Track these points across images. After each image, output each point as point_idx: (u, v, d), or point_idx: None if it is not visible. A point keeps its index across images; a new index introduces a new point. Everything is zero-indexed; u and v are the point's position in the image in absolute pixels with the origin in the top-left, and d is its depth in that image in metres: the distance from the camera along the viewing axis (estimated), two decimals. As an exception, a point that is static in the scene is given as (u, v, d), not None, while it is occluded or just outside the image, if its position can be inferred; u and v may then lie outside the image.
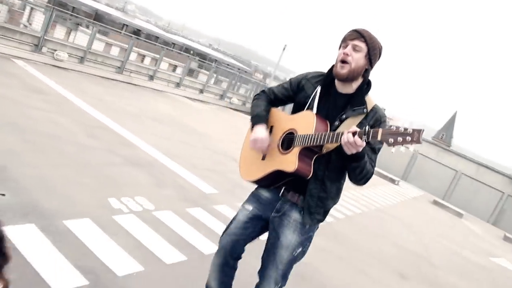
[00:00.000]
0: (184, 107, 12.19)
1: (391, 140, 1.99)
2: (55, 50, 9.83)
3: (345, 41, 2.32)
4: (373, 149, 2.28)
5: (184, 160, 6.34)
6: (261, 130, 2.43)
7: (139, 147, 6.13)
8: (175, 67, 19.81)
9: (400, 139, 1.98)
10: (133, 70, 12.07)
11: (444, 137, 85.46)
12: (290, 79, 2.61)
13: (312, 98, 2.44)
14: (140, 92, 11.32)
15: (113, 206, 3.90)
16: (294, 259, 2.50)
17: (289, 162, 2.33)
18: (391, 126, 2.03)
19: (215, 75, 16.94)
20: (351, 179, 2.38)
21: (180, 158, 6.36)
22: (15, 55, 9.00)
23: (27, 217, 3.12)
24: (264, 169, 2.49)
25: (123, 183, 4.57)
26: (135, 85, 11.85)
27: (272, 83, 20.22)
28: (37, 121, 5.49)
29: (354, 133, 2.07)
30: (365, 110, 2.34)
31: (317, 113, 2.35)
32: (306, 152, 2.32)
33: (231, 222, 2.62)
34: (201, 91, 14.49)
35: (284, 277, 2.52)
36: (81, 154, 4.94)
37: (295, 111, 2.52)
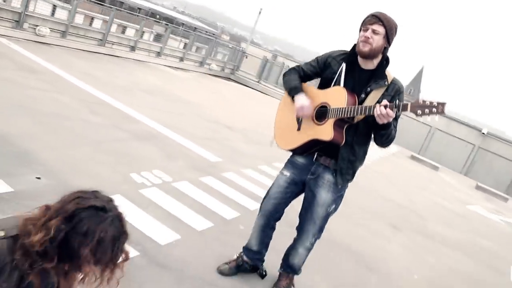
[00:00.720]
0: (168, 76, 12.24)
1: (419, 111, 2.33)
2: (37, 26, 9.67)
3: (365, 25, 2.63)
4: (396, 117, 2.59)
5: (184, 131, 6.57)
6: (303, 98, 2.74)
7: (140, 120, 6.31)
8: (143, 33, 19.45)
9: (427, 110, 2.31)
10: (115, 42, 11.97)
11: (412, 92, 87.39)
12: (317, 58, 2.91)
13: (339, 74, 2.76)
14: (124, 64, 11.30)
15: (136, 180, 4.16)
16: (328, 214, 2.89)
17: (325, 132, 2.65)
18: (419, 100, 2.35)
19: (192, 43, 16.85)
20: (377, 143, 2.74)
21: (179, 129, 6.58)
22: (-4, 33, 8.86)
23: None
24: (301, 139, 2.81)
25: (138, 158, 4.81)
26: (118, 57, 11.79)
27: (249, 48, 20.23)
28: (40, 101, 5.59)
29: (385, 106, 2.39)
30: (386, 83, 2.67)
31: (346, 88, 2.66)
32: (339, 123, 2.65)
33: (271, 188, 2.97)
34: (181, 59, 14.50)
35: (320, 230, 2.92)
36: (91, 131, 5.12)
37: (322, 86, 2.84)
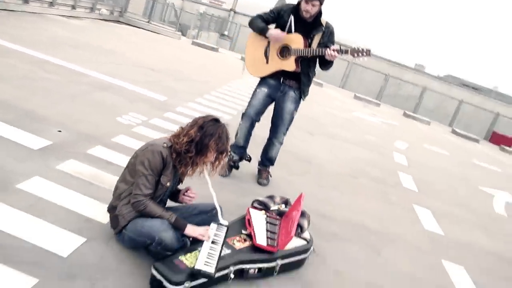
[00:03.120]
0: (72, 27, 12.25)
1: (355, 55, 3.80)
2: None
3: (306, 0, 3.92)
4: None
5: (127, 78, 7.38)
6: (275, 30, 4.04)
7: (89, 74, 6.98)
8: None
9: (360, 54, 3.79)
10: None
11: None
12: (272, 9, 4.25)
13: (289, 24, 4.09)
14: (25, 18, 11.10)
15: (123, 122, 5.15)
16: (292, 118, 4.34)
17: (290, 65, 4.06)
18: (356, 47, 3.81)
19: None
20: (322, 68, 4.22)
21: (123, 77, 7.38)
22: None
23: (89, 144, 4.24)
24: (270, 69, 4.20)
25: (109, 105, 5.70)
26: (13, 11, 11.50)
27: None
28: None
29: (335, 50, 3.81)
30: (323, 28, 4.07)
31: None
32: (297, 58, 4.03)
33: (252, 99, 4.31)
34: (73, 7, 14.34)
35: (287, 129, 4.43)
36: (60, 88, 5.83)
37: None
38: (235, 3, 24.05)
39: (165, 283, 2.34)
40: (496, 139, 17.84)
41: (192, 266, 2.42)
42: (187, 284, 2.36)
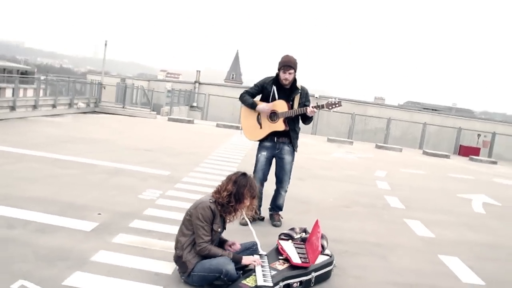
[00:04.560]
0: (58, 124, 13.11)
1: (330, 107, 4.81)
2: None
3: (284, 70, 4.96)
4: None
5: (128, 162, 8.23)
6: (262, 105, 5.02)
7: (96, 164, 7.79)
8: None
9: (333, 106, 4.81)
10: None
11: (235, 76, 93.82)
12: (256, 84, 5.25)
13: (273, 93, 5.08)
14: (13, 124, 11.96)
15: (146, 198, 5.94)
16: (291, 168, 5.23)
17: (280, 126, 5.01)
18: (330, 101, 4.82)
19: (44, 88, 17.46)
20: (304, 123, 5.17)
21: (125, 161, 8.22)
22: None
23: (127, 220, 4.96)
24: (264, 132, 5.13)
25: (127, 186, 6.51)
26: (1, 119, 12.33)
27: (105, 80, 21.17)
28: (24, 171, 6.78)
29: (314, 107, 4.81)
30: (299, 91, 5.07)
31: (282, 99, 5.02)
32: (285, 119, 5.00)
33: (256, 164, 5.19)
34: (54, 106, 15.28)
35: (289, 178, 5.29)
36: (82, 180, 6.60)
37: (263, 99, 5.15)
38: (198, 75, 25.54)
39: (238, 300, 3.11)
40: (464, 151, 19.21)
41: (254, 285, 3.20)
42: (254, 298, 3.14)
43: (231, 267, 3.30)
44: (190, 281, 3.47)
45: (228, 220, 3.70)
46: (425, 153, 17.59)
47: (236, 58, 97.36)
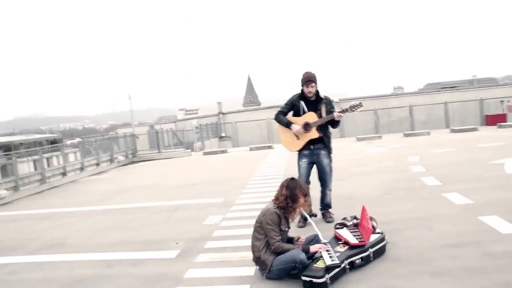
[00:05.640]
0: (107, 179, 14.21)
1: (353, 109, 5.56)
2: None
3: (307, 85, 5.74)
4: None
5: (183, 197, 9.08)
6: (296, 126, 5.79)
7: (155, 205, 8.67)
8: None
9: (355, 108, 5.56)
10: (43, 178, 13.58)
11: (252, 99, 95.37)
12: (286, 103, 6.01)
13: (302, 107, 5.84)
14: (67, 187, 13.08)
15: (211, 223, 6.72)
16: (331, 169, 5.95)
17: (314, 134, 5.74)
18: (352, 104, 5.57)
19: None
20: (334, 127, 5.88)
21: (180, 197, 9.08)
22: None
23: (200, 243, 5.73)
24: (302, 142, 5.88)
25: (192, 217, 7.31)
26: (57, 186, 13.47)
27: (136, 130, 22.35)
28: (117, 223, 7.70)
29: (340, 112, 5.56)
30: (324, 101, 5.82)
31: (312, 111, 5.78)
32: (318, 127, 5.74)
33: (299, 171, 5.93)
34: (97, 164, 16.44)
35: (331, 178, 5.98)
36: (151, 220, 7.45)
37: (295, 114, 5.91)
38: (220, 106, 26.65)
39: (314, 280, 3.83)
40: (491, 120, 19.45)
41: (325, 266, 3.91)
42: (327, 275, 3.84)
43: (303, 256, 4.02)
44: (271, 276, 4.19)
45: (291, 220, 4.44)
46: (452, 130, 17.95)
47: (249, 82, 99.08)
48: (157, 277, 4.73)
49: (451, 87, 30.08)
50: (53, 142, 48.27)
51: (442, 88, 30.05)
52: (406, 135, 18.31)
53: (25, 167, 15.91)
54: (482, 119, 20.57)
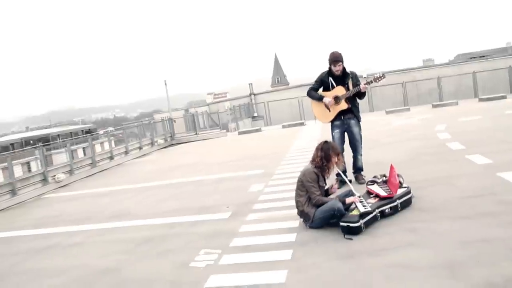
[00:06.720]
0: (150, 161, 15.29)
1: (377, 80, 6.26)
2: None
3: (334, 63, 6.44)
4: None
5: (230, 170, 9.95)
6: (327, 99, 6.53)
7: (207, 178, 9.57)
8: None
9: (379, 79, 6.26)
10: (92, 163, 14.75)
11: (280, 79, 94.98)
12: (316, 80, 6.73)
13: (331, 82, 6.56)
14: (112, 170, 14.21)
15: (255, 191, 7.56)
16: (361, 136, 6.68)
17: (343, 105, 6.49)
18: (375, 75, 6.28)
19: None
20: (360, 98, 6.60)
21: (221, 172, 9.95)
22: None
23: (248, 206, 6.61)
24: (333, 114, 6.61)
25: (235, 187, 8.15)
26: (105, 169, 14.64)
27: (172, 114, 23.43)
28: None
29: (365, 84, 6.27)
30: (350, 76, 6.52)
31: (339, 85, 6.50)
32: (346, 99, 6.47)
33: (333, 138, 6.64)
34: (140, 148, 17.58)
35: (361, 144, 6.70)
36: (203, 189, 8.36)
37: (325, 89, 6.64)
38: (251, 88, 27.46)
39: (351, 225, 4.60)
40: (521, 87, 19.54)
41: (359, 213, 4.68)
42: (361, 220, 4.62)
43: (340, 205, 4.80)
44: (314, 225, 4.99)
45: (327, 177, 5.21)
46: (481, 99, 18.19)
47: (276, 61, 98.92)
48: (216, 233, 5.61)
49: (481, 57, 29.85)
50: (87, 132, 50.46)
51: (471, 58, 29.86)
52: (434, 106, 18.66)
53: (64, 156, 17.18)
54: (511, 87, 20.65)
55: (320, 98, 6.65)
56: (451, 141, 9.21)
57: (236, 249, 4.87)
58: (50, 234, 7.19)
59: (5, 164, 12.11)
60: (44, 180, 12.14)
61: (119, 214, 7.70)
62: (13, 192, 11.00)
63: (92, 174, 14.27)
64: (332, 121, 6.76)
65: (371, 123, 15.56)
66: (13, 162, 12.08)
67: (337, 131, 6.73)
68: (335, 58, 6.45)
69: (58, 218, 8.41)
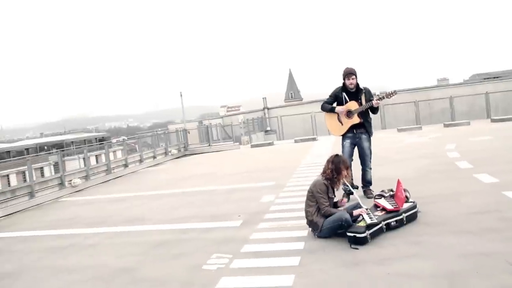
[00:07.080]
0: (163, 171, 15.60)
1: (389, 96, 6.51)
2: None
3: (348, 77, 6.71)
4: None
5: (242, 182, 10.19)
6: (339, 108, 6.77)
7: (219, 189, 9.82)
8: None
9: (391, 95, 6.50)
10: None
11: (293, 94, 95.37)
12: (330, 95, 7.00)
13: (344, 97, 6.81)
14: (128, 178, 14.53)
15: (266, 201, 7.78)
16: (370, 150, 6.91)
17: (356, 120, 6.72)
18: (387, 92, 6.51)
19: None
20: (374, 113, 6.83)
21: (240, 182, 10.19)
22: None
23: (258, 216, 6.84)
24: (346, 127, 6.87)
25: (247, 197, 8.38)
26: (120, 176, 14.97)
27: (186, 125, 23.81)
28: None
29: (377, 99, 6.52)
30: (364, 91, 6.77)
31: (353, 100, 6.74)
32: (359, 114, 6.70)
33: (343, 150, 6.87)
34: (154, 157, 17.92)
35: (370, 158, 6.93)
36: (217, 199, 8.60)
37: (338, 104, 6.88)
38: (265, 102, 27.84)
39: (357, 235, 4.81)
40: (535, 110, 19.56)
41: (366, 224, 4.89)
42: (367, 231, 4.82)
43: (347, 216, 5.01)
44: (322, 235, 5.20)
45: (336, 189, 5.43)
46: (493, 120, 18.24)
47: (290, 76, 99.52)
48: (228, 239, 5.84)
49: (495, 77, 29.89)
50: (101, 140, 51.21)
51: (485, 78, 29.92)
52: (446, 126, 18.75)
53: (76, 162, 17.55)
54: (525, 109, 20.70)
55: (332, 109, 6.89)
56: (459, 160, 9.36)
57: (247, 254, 5.10)
58: (67, 235, 7.48)
59: (19, 168, 12.52)
60: (61, 184, 12.49)
61: (133, 219, 7.97)
62: (31, 195, 11.35)
63: (107, 181, 14.62)
64: (343, 134, 7.00)
65: (383, 140, 15.73)
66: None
67: (347, 141, 6.95)
68: (349, 72, 6.71)
69: (74, 220, 8.71)
